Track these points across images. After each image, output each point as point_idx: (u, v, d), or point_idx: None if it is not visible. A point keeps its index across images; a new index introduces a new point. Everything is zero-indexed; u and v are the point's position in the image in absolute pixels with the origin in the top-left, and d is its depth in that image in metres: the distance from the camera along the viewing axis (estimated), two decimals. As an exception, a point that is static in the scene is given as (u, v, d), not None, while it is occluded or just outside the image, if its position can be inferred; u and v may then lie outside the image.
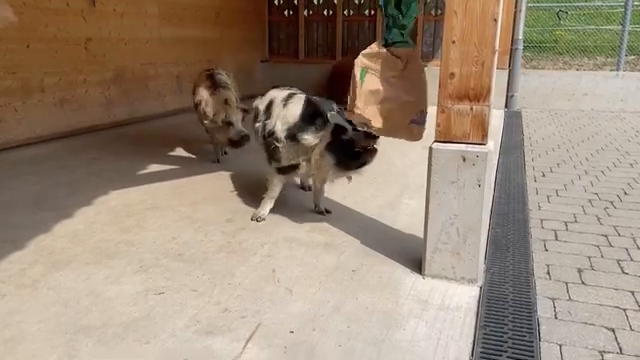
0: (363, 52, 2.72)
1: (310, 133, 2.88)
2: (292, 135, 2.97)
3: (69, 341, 1.96)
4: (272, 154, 3.14)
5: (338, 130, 2.79)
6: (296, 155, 3.01)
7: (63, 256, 2.70)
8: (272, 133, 3.09)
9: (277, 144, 3.04)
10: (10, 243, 2.82)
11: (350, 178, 3.07)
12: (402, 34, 2.65)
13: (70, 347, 1.93)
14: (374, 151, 2.85)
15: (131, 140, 5.66)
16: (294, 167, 3.09)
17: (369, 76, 2.67)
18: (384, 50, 2.66)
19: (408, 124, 2.67)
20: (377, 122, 2.68)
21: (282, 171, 3.15)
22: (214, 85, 4.55)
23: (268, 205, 3.26)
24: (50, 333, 2.02)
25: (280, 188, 3.26)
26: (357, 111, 2.69)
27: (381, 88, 2.66)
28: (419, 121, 2.67)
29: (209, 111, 4.39)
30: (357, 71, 2.69)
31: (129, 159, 4.72)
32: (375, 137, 2.79)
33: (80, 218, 3.24)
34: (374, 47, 2.69)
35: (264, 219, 3.22)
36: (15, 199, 3.58)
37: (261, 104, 3.39)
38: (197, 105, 4.60)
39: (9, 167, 4.41)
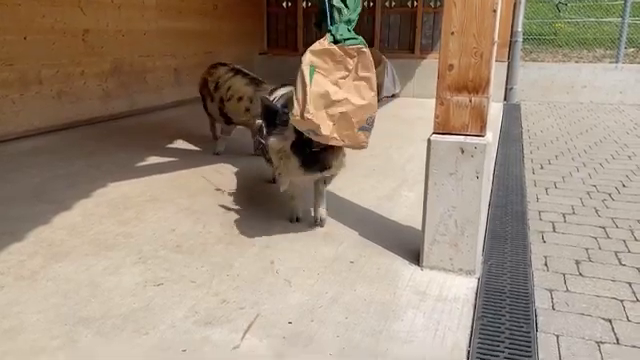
0: (311, 48, 2.44)
1: (274, 136, 2.65)
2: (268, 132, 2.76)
3: (68, 332, 1.97)
4: (264, 153, 2.99)
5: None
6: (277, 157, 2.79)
7: (62, 248, 2.70)
8: (260, 129, 2.90)
9: (263, 142, 2.85)
10: (9, 235, 2.82)
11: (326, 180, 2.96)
12: (349, 30, 2.44)
13: (69, 338, 1.94)
14: (337, 152, 2.68)
15: (129, 133, 5.64)
16: None
17: (317, 76, 2.41)
18: (334, 46, 2.41)
19: (356, 131, 2.46)
20: (326, 129, 2.40)
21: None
22: (254, 80, 4.36)
23: (293, 203, 3.08)
24: (50, 324, 2.02)
25: (298, 186, 3.01)
26: (308, 116, 2.35)
27: (330, 90, 2.39)
28: (367, 127, 2.49)
29: (255, 107, 4.12)
30: (305, 70, 2.39)
31: (128, 151, 4.72)
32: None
33: (79, 210, 3.24)
34: (323, 43, 2.44)
35: (300, 217, 3.07)
36: (14, 191, 3.58)
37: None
38: (225, 100, 4.40)
39: (7, 160, 4.40)
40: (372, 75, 2.47)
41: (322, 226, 3.02)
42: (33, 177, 3.90)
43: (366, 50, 2.46)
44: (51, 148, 4.83)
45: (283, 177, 2.86)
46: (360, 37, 2.46)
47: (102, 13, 6.02)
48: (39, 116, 5.34)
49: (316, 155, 2.63)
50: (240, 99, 4.31)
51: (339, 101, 2.41)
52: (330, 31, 2.47)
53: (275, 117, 2.66)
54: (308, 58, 2.42)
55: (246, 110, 4.29)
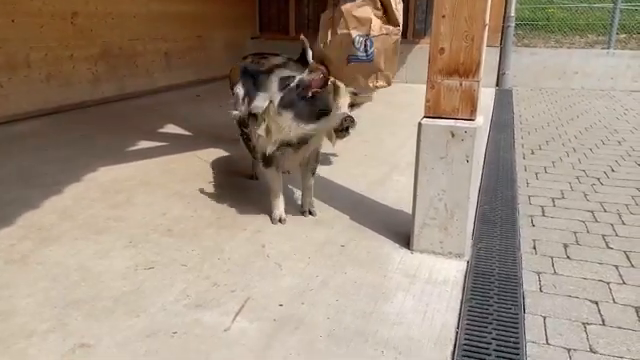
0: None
1: (259, 98, 2.62)
2: (248, 111, 2.72)
3: (58, 315, 1.97)
4: (247, 146, 2.95)
5: (284, 80, 2.59)
6: (261, 132, 2.66)
7: (52, 232, 2.70)
8: (242, 120, 2.88)
9: (245, 130, 2.82)
10: (-2, 219, 2.81)
11: (339, 135, 2.53)
12: None
13: (59, 321, 1.94)
14: (334, 95, 2.46)
15: (120, 117, 5.60)
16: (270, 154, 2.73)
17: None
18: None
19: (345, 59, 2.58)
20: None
21: (267, 162, 2.79)
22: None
23: (276, 202, 2.90)
24: (40, 307, 2.02)
25: (279, 181, 2.89)
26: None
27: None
28: (358, 57, 2.53)
29: None
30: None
31: (118, 136, 4.69)
32: (327, 77, 2.49)
33: (69, 194, 3.23)
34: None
35: (284, 218, 2.88)
36: (3, 175, 3.55)
37: (238, 89, 3.04)
38: None
39: (-4, 143, 4.36)
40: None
41: (314, 215, 2.98)
42: (22, 161, 3.87)
43: None
44: (40, 132, 4.78)
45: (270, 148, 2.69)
46: None
47: (91, -5, 5.94)
48: (28, 100, 5.28)
49: (312, 101, 2.47)
50: None
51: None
52: None
53: (257, 76, 2.72)
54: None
55: None
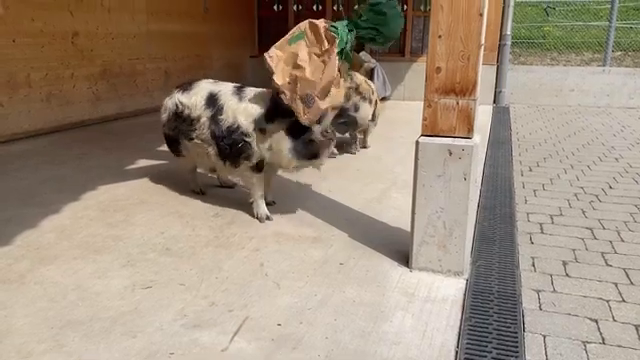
0: (311, 20, 2.85)
1: (277, 122, 2.98)
2: (260, 127, 3.01)
3: (55, 335, 1.96)
4: (241, 152, 3.06)
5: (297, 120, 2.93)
6: (264, 147, 3.02)
7: (50, 251, 2.69)
8: (236, 129, 3.04)
9: (246, 139, 3.02)
10: (-4, 238, 2.80)
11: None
12: (345, 26, 2.85)
13: (56, 341, 1.92)
14: (328, 144, 3.03)
15: (119, 136, 5.62)
16: (263, 160, 3.09)
17: (301, 41, 2.83)
18: (324, 25, 2.80)
19: (296, 97, 2.82)
20: (279, 79, 2.84)
21: (256, 168, 3.11)
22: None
23: (262, 204, 3.20)
24: (37, 327, 2.01)
25: (263, 185, 3.21)
26: (267, 55, 2.87)
27: (300, 55, 2.80)
28: (305, 101, 2.82)
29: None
30: (296, 30, 2.85)
31: (117, 155, 4.70)
32: (332, 138, 3.05)
33: (67, 213, 3.22)
34: (322, 22, 2.82)
35: (269, 216, 3.16)
36: (1, 194, 3.55)
37: (189, 99, 3.25)
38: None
39: (-5, 163, 4.37)
40: (331, 61, 2.80)
41: (275, 204, 3.39)
42: (21, 180, 3.87)
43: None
44: (40, 151, 4.80)
45: None
46: (341, 34, 2.80)
47: (91, 16, 6.00)
48: (28, 119, 5.31)
49: (310, 143, 3.01)
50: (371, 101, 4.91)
51: (300, 67, 2.80)
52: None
53: (279, 108, 2.96)
54: (304, 25, 2.85)
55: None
